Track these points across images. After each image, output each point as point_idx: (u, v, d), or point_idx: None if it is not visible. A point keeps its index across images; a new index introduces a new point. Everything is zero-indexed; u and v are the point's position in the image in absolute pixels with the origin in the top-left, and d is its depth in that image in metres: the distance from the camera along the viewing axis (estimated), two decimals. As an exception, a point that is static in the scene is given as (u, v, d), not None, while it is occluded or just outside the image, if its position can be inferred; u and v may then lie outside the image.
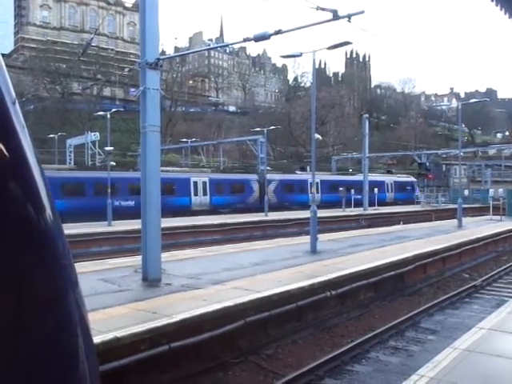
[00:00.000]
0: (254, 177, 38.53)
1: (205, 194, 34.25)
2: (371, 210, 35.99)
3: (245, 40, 11.19)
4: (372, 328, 9.56)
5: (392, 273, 12.40)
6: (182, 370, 7.11)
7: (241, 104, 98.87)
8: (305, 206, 36.61)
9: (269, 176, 38.15)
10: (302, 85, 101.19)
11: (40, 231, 0.94)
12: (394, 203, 45.83)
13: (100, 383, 1.12)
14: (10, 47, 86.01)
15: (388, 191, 47.76)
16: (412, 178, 52.38)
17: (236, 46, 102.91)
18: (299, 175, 42.94)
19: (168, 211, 25.04)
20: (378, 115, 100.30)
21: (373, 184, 42.16)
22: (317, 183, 39.83)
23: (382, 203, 40.69)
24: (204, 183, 34.34)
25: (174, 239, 21.30)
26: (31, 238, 0.91)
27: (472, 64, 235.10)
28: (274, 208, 34.98)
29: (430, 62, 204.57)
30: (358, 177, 48.40)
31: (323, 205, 38.12)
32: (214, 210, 33.36)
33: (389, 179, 49.24)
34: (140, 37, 10.90)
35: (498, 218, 28.79)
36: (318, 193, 39.46)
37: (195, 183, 33.95)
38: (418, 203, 45.31)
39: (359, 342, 8.56)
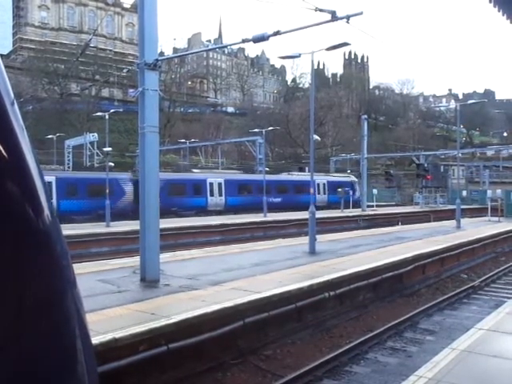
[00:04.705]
0: (124, 176, 31.97)
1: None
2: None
3: (243, 41, 11.16)
4: (371, 329, 9.56)
5: (391, 273, 12.40)
6: (181, 370, 7.11)
7: (239, 105, 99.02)
8: (202, 211, 33.08)
9: None
10: (301, 86, 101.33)
11: (38, 232, 0.94)
12: (328, 207, 38.57)
13: (98, 384, 1.11)
14: (9, 48, 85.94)
15: (319, 193, 40.45)
16: (352, 178, 45.97)
17: (234, 47, 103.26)
18: (195, 174, 37.14)
19: None
20: (376, 116, 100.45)
21: (299, 184, 38.23)
22: (220, 184, 35.82)
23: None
24: (49, 184, 27.20)
25: (173, 240, 21.32)
26: (29, 238, 0.91)
27: (470, 65, 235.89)
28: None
29: (429, 63, 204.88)
30: (280, 176, 43.55)
31: (228, 210, 34.41)
32: (64, 217, 24.99)
33: (321, 179, 42.80)
34: (139, 38, 10.92)
35: (496, 218, 28.81)
36: (220, 195, 35.92)
37: None
38: (359, 206, 38.87)
39: (358, 343, 8.57)
